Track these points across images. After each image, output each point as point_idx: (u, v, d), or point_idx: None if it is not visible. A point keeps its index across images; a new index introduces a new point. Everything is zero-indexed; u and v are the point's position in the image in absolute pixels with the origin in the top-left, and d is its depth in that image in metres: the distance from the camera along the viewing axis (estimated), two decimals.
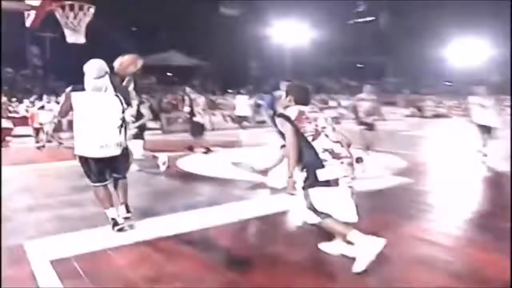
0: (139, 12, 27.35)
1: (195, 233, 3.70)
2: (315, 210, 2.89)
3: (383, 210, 4.43)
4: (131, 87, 4.21)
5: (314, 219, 2.92)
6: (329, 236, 3.08)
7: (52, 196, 5.13)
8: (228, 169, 6.08)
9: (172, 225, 3.86)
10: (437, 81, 33.89)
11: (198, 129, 8.92)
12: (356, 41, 34.43)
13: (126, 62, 4.03)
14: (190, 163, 7.57)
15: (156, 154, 6.88)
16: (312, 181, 2.85)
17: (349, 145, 3.04)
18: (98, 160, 3.58)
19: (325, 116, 3.11)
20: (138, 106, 6.64)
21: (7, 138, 10.87)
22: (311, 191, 2.88)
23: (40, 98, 14.50)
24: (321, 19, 30.21)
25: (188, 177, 6.38)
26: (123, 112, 3.65)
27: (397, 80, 34.63)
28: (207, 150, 8.76)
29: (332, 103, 23.33)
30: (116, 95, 3.61)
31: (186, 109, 9.19)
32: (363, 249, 2.77)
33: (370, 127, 7.54)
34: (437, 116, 23.20)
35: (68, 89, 3.61)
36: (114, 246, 3.35)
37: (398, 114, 21.78)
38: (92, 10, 5.43)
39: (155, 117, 15.33)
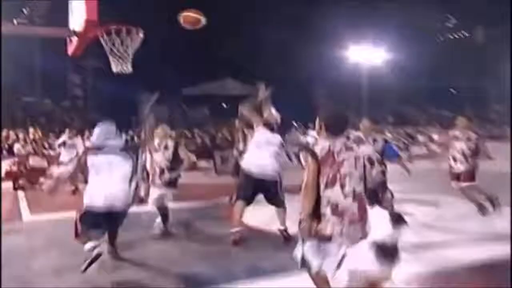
0: (189, 36, 28.55)
1: None
2: (302, 259, 3.16)
3: None
4: None
5: (299, 264, 3.20)
6: None
7: (84, 254, 5.05)
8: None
9: None
10: None
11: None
12: (447, 61, 33.29)
13: (187, 18, 5.21)
14: (253, 214, 7.24)
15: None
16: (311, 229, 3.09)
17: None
18: (100, 213, 4.27)
19: (359, 155, 3.13)
20: (176, 147, 6.41)
21: (41, 180, 11.30)
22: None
23: (81, 132, 15.27)
24: (402, 37, 29.72)
25: (250, 234, 6.06)
26: (134, 168, 4.38)
27: (504, 107, 32.61)
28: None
29: (420, 137, 22.39)
30: (127, 152, 4.42)
31: (240, 146, 9.06)
32: None
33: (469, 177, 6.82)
34: None
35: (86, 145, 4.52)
36: None
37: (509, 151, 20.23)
38: (141, 35, 5.56)
39: (208, 155, 15.66)
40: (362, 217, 3.11)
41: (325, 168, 3.07)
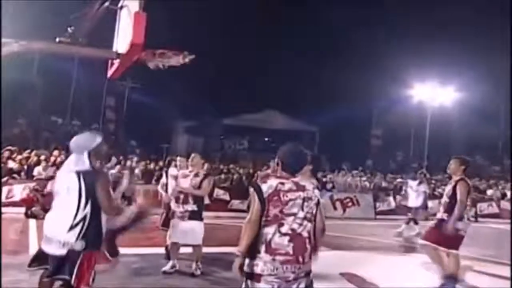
0: (234, 62, 29.23)
1: None
2: None
3: None
4: None
5: None
6: None
7: None
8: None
9: None
10: None
11: None
12: None
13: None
14: None
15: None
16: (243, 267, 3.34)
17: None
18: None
19: (311, 196, 3.40)
20: (205, 177, 6.86)
21: None
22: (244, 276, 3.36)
23: (108, 160, 15.66)
24: (475, 74, 29.35)
25: None
26: (80, 205, 3.79)
27: None
28: None
29: (490, 193, 21.68)
30: (79, 182, 3.80)
31: None
32: None
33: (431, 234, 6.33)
34: None
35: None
36: None
37: None
38: (186, 60, 5.84)
39: (243, 194, 15.70)
40: (298, 259, 3.32)
41: (269, 207, 3.33)
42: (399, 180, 19.94)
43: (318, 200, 3.47)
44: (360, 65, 29.98)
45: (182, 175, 7.01)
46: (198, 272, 6.63)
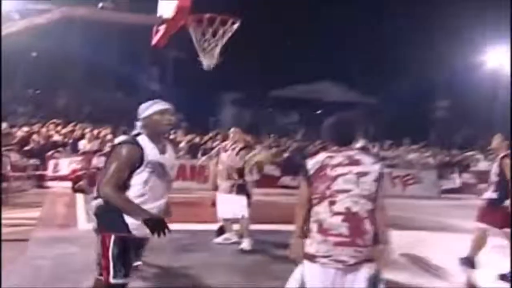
0: (284, 30, 28.96)
1: None
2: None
3: None
4: None
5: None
6: None
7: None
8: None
9: None
10: None
11: None
12: None
13: None
14: None
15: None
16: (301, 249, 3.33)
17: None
18: None
19: (369, 171, 3.23)
20: (240, 149, 7.07)
21: None
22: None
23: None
24: None
25: None
26: None
27: None
28: None
29: None
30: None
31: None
32: None
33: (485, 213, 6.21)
34: None
35: None
36: None
37: None
38: (235, 26, 5.81)
39: (295, 170, 15.72)
40: (355, 242, 3.17)
41: (316, 183, 3.26)
42: (468, 154, 19.45)
43: (380, 175, 3.26)
44: (423, 29, 28.99)
45: (223, 149, 7.24)
46: (248, 247, 6.73)
